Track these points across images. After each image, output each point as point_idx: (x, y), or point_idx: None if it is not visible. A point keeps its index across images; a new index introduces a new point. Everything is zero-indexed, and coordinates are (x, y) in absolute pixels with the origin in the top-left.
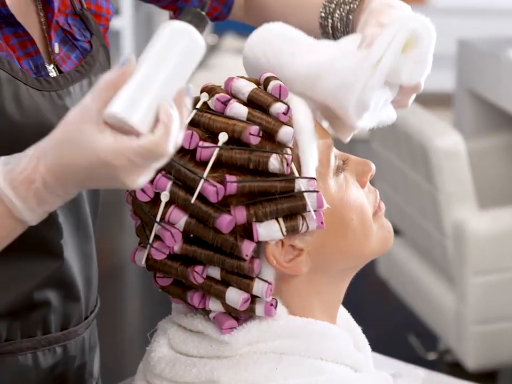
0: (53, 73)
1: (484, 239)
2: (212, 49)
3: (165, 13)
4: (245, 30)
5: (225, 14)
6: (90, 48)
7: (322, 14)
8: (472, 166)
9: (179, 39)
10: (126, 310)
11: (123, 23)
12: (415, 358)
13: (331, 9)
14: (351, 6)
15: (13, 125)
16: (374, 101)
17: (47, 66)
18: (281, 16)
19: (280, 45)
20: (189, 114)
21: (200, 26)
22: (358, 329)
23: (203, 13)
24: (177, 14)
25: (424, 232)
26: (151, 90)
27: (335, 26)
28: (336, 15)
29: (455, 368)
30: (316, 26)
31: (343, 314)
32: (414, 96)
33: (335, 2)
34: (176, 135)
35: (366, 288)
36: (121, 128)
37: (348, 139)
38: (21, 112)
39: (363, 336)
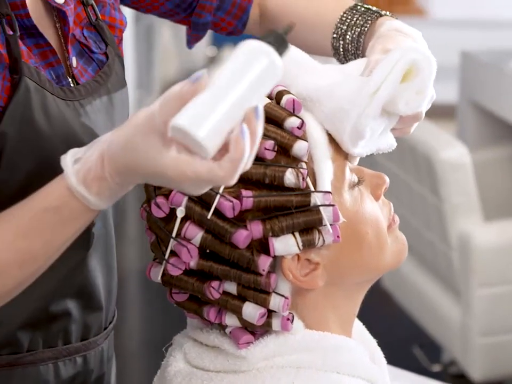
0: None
1: (490, 251)
2: (211, 61)
3: (165, 25)
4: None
5: (240, 29)
6: (106, 60)
7: (334, 35)
8: (476, 177)
9: (258, 59)
10: (127, 322)
11: (124, 34)
12: (419, 370)
13: (343, 31)
14: (362, 28)
15: (41, 134)
16: (371, 129)
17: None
18: (296, 33)
19: (285, 66)
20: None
21: (280, 49)
22: (373, 342)
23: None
24: (191, 29)
25: (429, 244)
26: (221, 108)
27: (346, 48)
28: (348, 37)
29: (460, 380)
30: (329, 46)
31: (358, 327)
32: (416, 124)
33: (346, 23)
34: (243, 167)
35: (371, 300)
36: (187, 145)
37: (355, 162)
38: (48, 121)
39: (378, 348)
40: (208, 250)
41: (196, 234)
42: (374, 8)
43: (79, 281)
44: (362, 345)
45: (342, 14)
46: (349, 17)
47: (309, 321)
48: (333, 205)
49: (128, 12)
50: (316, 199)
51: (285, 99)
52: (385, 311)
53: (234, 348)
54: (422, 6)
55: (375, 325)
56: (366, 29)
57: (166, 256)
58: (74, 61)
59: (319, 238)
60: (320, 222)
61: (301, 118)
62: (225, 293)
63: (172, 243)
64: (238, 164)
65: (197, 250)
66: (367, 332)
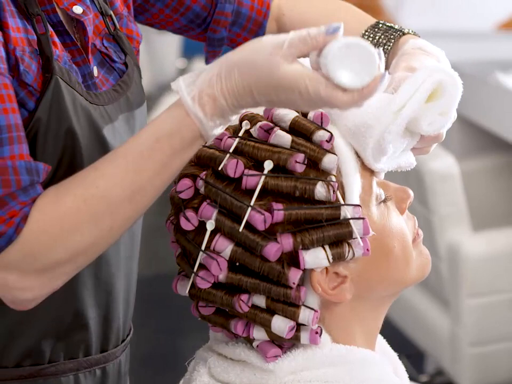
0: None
1: (478, 261)
2: (181, 73)
3: (165, 36)
4: None
5: None
6: (126, 69)
7: None
8: (463, 188)
9: None
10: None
11: None
12: None
13: None
14: (385, 47)
15: (72, 132)
16: (394, 146)
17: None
18: None
19: None
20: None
21: None
22: (394, 356)
23: None
24: (207, 46)
25: None
26: None
27: None
28: None
29: None
30: None
31: (380, 340)
32: (435, 144)
33: (369, 42)
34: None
35: None
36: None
37: (381, 176)
38: (78, 121)
39: (400, 362)
40: (237, 263)
41: (226, 247)
42: (397, 26)
43: (100, 292)
44: (386, 358)
45: (364, 32)
46: (371, 35)
47: (335, 335)
48: (363, 218)
49: None
50: (346, 212)
51: (313, 112)
52: None
53: (261, 361)
54: (393, 17)
55: None
56: (389, 47)
57: (195, 269)
58: (95, 70)
59: (348, 251)
60: (350, 235)
61: (329, 131)
62: (254, 306)
63: (201, 256)
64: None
65: (226, 263)
66: (388, 346)
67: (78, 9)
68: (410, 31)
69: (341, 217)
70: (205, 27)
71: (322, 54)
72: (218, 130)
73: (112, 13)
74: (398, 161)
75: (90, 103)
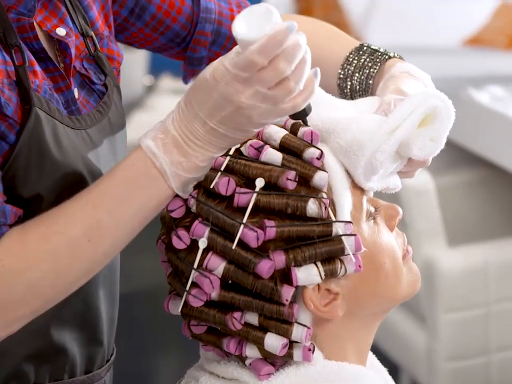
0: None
1: (454, 276)
2: (149, 90)
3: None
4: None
5: None
6: (105, 90)
7: (341, 76)
8: (438, 203)
9: None
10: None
11: None
12: None
13: (350, 72)
14: (371, 70)
15: (55, 163)
16: (384, 166)
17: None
18: None
19: None
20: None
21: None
22: (384, 371)
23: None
24: (187, 65)
25: None
26: None
27: (353, 88)
28: (356, 78)
29: None
30: (333, 86)
31: (370, 356)
32: (420, 169)
33: (353, 64)
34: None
35: None
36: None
37: (371, 194)
38: (60, 150)
39: (390, 377)
40: (230, 281)
41: (219, 265)
42: (382, 49)
43: (84, 315)
44: (378, 374)
45: (348, 54)
46: (356, 57)
47: (327, 351)
48: (354, 235)
49: None
50: (338, 228)
51: (302, 130)
52: None
53: (254, 379)
54: (359, 33)
55: None
56: (375, 70)
57: (187, 288)
58: (76, 92)
59: (341, 268)
60: (342, 251)
61: (319, 149)
62: (247, 324)
63: (193, 274)
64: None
65: (219, 281)
66: (378, 361)
67: (61, 31)
68: (396, 55)
69: (333, 234)
70: (184, 46)
71: None
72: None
73: (93, 33)
74: (386, 181)
75: (72, 128)
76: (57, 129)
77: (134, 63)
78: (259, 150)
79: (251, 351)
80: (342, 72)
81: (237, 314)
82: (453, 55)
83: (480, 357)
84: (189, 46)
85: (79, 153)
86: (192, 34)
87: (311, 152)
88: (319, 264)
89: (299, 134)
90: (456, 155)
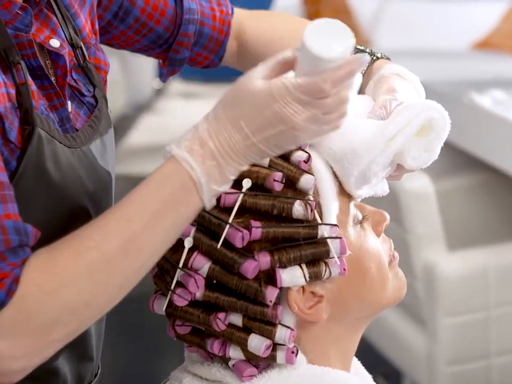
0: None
1: (454, 281)
2: (158, 93)
3: (113, 57)
4: (190, 74)
5: (217, 63)
6: (94, 102)
7: None
8: (438, 207)
9: None
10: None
11: None
12: None
13: None
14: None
15: (53, 183)
16: (377, 176)
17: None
18: None
19: None
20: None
21: None
22: (369, 378)
23: None
24: (167, 65)
25: None
26: None
27: None
28: None
29: None
30: None
31: (354, 362)
32: (407, 173)
33: None
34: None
35: None
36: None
37: (359, 199)
38: (59, 170)
39: (374, 383)
40: (214, 281)
41: (204, 264)
42: (368, 50)
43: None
44: (361, 380)
45: None
46: None
47: (311, 355)
48: (340, 238)
49: None
50: (323, 231)
51: None
52: None
53: (236, 381)
54: (368, 36)
55: None
56: (364, 71)
57: (172, 287)
58: (69, 105)
59: (325, 270)
60: (327, 254)
61: (307, 152)
62: (231, 325)
63: (178, 273)
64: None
65: (204, 281)
66: (363, 367)
67: (55, 43)
68: (383, 55)
69: (318, 236)
70: (167, 47)
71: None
72: (222, 188)
73: (82, 44)
74: (375, 188)
75: (69, 147)
76: (57, 149)
77: (143, 66)
78: None
79: (234, 352)
80: None
81: (221, 315)
82: (462, 59)
83: (480, 361)
84: (172, 47)
85: (76, 173)
86: (175, 36)
87: (298, 155)
88: (303, 266)
89: None
90: (458, 159)
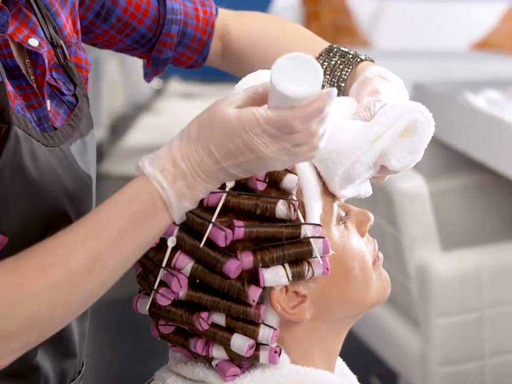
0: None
1: (448, 281)
2: (157, 93)
3: (112, 58)
4: (190, 74)
5: (201, 63)
6: (75, 101)
7: None
8: (432, 207)
9: None
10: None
11: None
12: None
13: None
14: (342, 73)
15: (31, 182)
16: (361, 176)
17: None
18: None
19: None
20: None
21: None
22: (353, 378)
23: None
24: (150, 65)
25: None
26: None
27: None
28: (326, 80)
29: None
30: None
31: (339, 362)
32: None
33: (324, 66)
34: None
35: None
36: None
37: (343, 199)
38: (37, 169)
39: None
40: (197, 281)
41: (186, 264)
42: (352, 52)
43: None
44: (346, 381)
45: (318, 55)
46: (327, 59)
47: (294, 355)
48: (323, 237)
49: None
50: (306, 231)
51: None
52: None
53: (220, 380)
54: (367, 37)
55: None
56: (348, 73)
57: (155, 286)
58: (48, 104)
59: (308, 270)
60: (310, 253)
61: None
62: (214, 325)
63: (161, 273)
64: (313, 114)
65: (187, 280)
66: (347, 368)
67: (33, 42)
68: (367, 58)
69: (301, 236)
70: (150, 47)
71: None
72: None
73: (62, 43)
74: (358, 189)
75: (46, 146)
76: (34, 147)
77: (142, 67)
78: None
79: (218, 352)
80: None
81: (204, 314)
82: (461, 59)
83: (474, 361)
84: (155, 47)
85: (55, 172)
86: (158, 36)
87: None
88: (286, 265)
89: None
90: (452, 159)
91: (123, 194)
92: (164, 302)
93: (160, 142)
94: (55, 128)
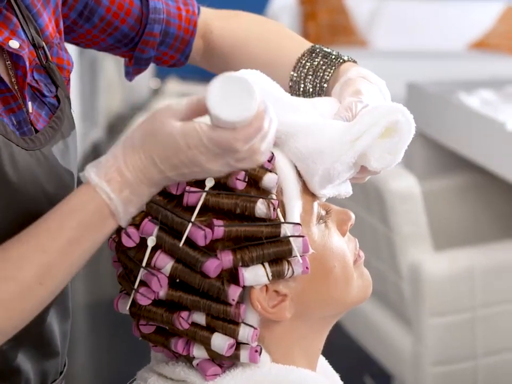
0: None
1: (440, 281)
2: (155, 93)
3: (109, 58)
4: (187, 74)
5: (183, 62)
6: (57, 103)
7: (294, 78)
8: (425, 207)
9: None
10: (73, 357)
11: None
12: None
13: (303, 74)
14: (325, 73)
15: (11, 186)
16: (341, 175)
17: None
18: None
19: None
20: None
21: None
22: (336, 376)
23: None
24: (133, 64)
25: (379, 274)
26: None
27: (306, 90)
28: (308, 80)
29: None
30: (285, 88)
31: (321, 362)
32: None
33: (306, 67)
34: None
35: None
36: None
37: (324, 199)
38: (17, 173)
39: (341, 383)
40: (178, 280)
41: (166, 263)
42: (335, 52)
43: (37, 332)
44: (328, 380)
45: (300, 56)
46: (309, 60)
47: (275, 354)
48: (302, 236)
49: (71, 45)
50: (286, 230)
51: None
52: (335, 341)
53: (200, 380)
54: (365, 36)
55: (325, 355)
56: (330, 74)
57: (136, 286)
58: (30, 105)
59: (288, 269)
60: (289, 252)
61: (271, 152)
62: (194, 324)
63: (141, 272)
64: (254, 133)
65: (167, 280)
66: (330, 367)
67: (14, 44)
68: (350, 58)
69: (281, 235)
70: (132, 47)
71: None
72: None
73: (44, 44)
74: (339, 189)
75: (26, 150)
76: (14, 152)
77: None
78: None
79: (198, 352)
80: (295, 75)
81: (184, 314)
82: (459, 59)
83: (466, 361)
84: (137, 46)
85: (35, 176)
86: (141, 35)
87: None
88: (266, 265)
89: None
90: (445, 159)
91: (71, 203)
92: (144, 301)
93: None
94: (37, 131)
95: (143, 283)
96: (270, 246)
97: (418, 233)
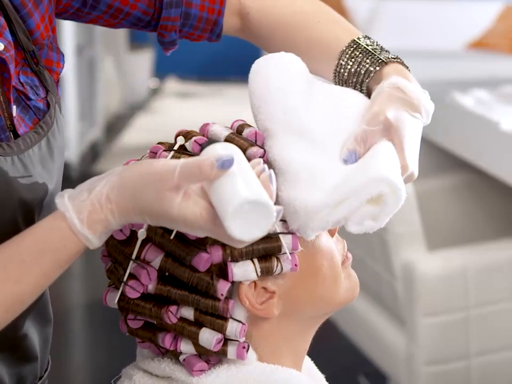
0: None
1: (434, 280)
2: (153, 93)
3: (108, 57)
4: (186, 73)
5: (215, 39)
6: (44, 107)
7: (339, 66)
8: (419, 207)
9: None
10: (71, 357)
11: (65, 68)
12: None
13: (349, 66)
14: (363, 77)
15: None
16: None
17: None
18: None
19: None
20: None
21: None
22: (321, 378)
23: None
24: (160, 44)
25: (373, 274)
26: None
27: (347, 80)
28: (349, 84)
29: None
30: (329, 74)
31: (307, 362)
32: None
33: (351, 61)
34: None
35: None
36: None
37: None
38: None
39: (326, 383)
40: (167, 274)
41: (156, 257)
42: (378, 50)
43: (12, 337)
44: (312, 380)
45: (344, 49)
46: (350, 59)
47: (262, 353)
48: (292, 233)
49: (69, 44)
50: (276, 226)
51: (247, 131)
52: (330, 340)
53: (185, 375)
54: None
55: (319, 354)
56: (368, 79)
57: (125, 279)
58: (14, 109)
59: (277, 266)
60: (279, 249)
61: (263, 148)
62: (182, 319)
63: (131, 265)
64: None
65: (156, 273)
66: (316, 368)
67: None
68: (391, 58)
69: (271, 232)
70: (152, 28)
71: (213, 189)
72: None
73: (34, 48)
74: None
75: (1, 155)
76: None
77: (139, 66)
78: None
79: (186, 347)
80: (338, 65)
81: (172, 308)
82: (457, 58)
83: (459, 361)
84: (157, 31)
85: (9, 182)
86: (158, 20)
87: (254, 151)
88: (255, 260)
89: (244, 134)
90: (440, 158)
91: (48, 240)
92: (133, 294)
93: (157, 142)
94: (18, 135)
95: (132, 276)
96: (260, 242)
97: (412, 233)
